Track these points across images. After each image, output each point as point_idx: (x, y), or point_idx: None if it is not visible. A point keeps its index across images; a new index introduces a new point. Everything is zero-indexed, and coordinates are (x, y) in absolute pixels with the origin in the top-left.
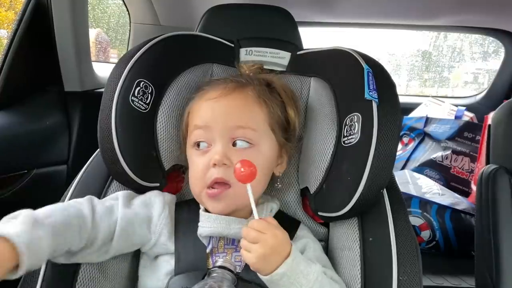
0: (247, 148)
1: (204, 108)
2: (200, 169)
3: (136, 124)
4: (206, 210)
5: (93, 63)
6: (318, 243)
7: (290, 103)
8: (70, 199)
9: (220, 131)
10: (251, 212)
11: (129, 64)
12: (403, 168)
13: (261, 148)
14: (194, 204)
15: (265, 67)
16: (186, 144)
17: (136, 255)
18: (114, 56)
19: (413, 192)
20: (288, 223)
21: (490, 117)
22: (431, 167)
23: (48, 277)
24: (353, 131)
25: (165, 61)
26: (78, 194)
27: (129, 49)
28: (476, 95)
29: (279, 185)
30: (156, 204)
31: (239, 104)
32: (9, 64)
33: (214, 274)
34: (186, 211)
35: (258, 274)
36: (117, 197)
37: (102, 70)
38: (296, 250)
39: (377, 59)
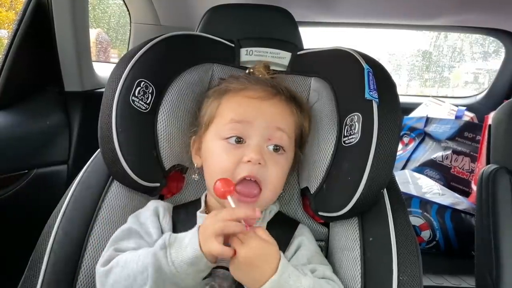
0: (279, 153)
1: (245, 104)
2: (230, 163)
3: (137, 124)
4: (207, 212)
5: (93, 63)
6: (315, 243)
7: (307, 117)
8: (70, 199)
9: (261, 129)
10: None
11: (129, 64)
12: (403, 168)
13: (288, 156)
14: (192, 207)
15: None
16: (203, 133)
17: None
18: (115, 56)
19: (413, 192)
20: (288, 224)
21: (491, 117)
22: (431, 167)
23: (48, 277)
24: (353, 131)
25: (165, 61)
26: (78, 194)
27: (129, 49)
28: (477, 95)
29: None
30: (160, 209)
31: (280, 110)
32: (9, 64)
33: (215, 274)
34: (184, 213)
35: None
36: (130, 232)
37: (103, 70)
38: (286, 264)
39: (377, 59)
